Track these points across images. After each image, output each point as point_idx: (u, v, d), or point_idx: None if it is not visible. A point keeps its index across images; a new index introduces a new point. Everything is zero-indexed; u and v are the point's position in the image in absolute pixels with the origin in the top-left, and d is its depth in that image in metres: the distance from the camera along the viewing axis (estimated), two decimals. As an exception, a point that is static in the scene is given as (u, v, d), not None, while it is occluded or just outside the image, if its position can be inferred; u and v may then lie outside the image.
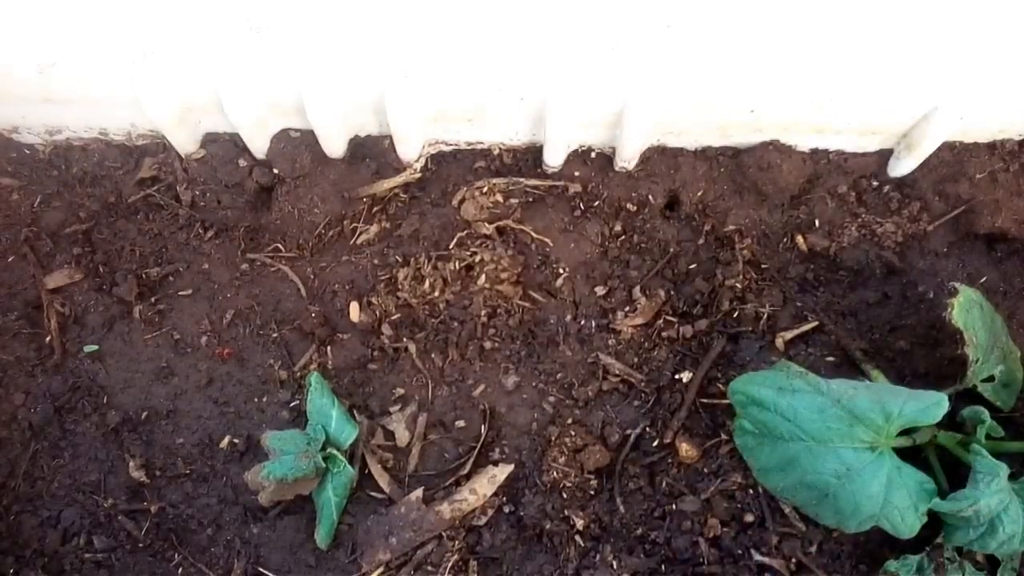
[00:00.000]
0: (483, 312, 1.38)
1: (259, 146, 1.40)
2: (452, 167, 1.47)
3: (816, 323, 1.34)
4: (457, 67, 1.26)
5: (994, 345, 1.19)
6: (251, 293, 1.45)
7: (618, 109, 1.32)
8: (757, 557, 1.18)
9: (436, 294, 1.37)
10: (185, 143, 1.40)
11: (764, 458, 1.15)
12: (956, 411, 1.15)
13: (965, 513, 1.04)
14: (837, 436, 1.08)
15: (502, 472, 1.29)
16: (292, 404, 1.38)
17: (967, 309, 1.16)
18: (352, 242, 1.46)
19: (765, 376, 1.16)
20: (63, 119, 1.41)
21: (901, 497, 1.06)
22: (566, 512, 1.25)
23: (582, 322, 1.40)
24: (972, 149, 1.41)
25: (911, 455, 1.14)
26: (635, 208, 1.44)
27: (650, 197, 1.43)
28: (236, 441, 1.35)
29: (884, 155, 1.43)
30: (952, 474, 1.14)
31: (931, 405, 1.05)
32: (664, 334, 1.38)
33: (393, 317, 1.39)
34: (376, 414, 1.37)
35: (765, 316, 1.35)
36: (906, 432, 1.12)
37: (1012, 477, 1.08)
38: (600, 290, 1.42)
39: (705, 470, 1.27)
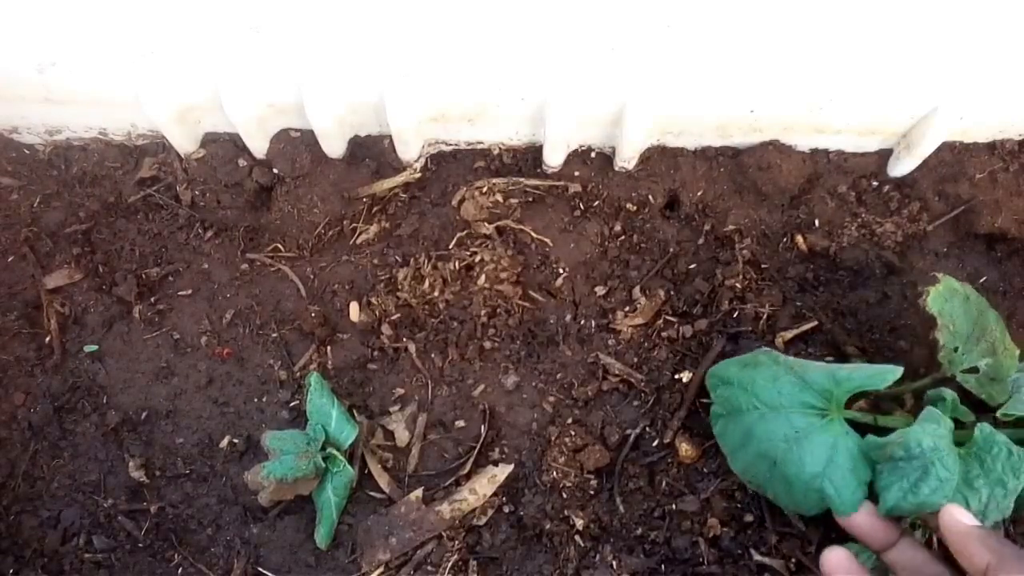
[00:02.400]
0: (483, 312, 1.38)
1: (259, 146, 1.40)
2: (452, 167, 1.47)
3: (816, 323, 1.34)
4: (457, 67, 1.26)
5: (980, 337, 1.18)
6: (251, 293, 1.45)
7: (618, 109, 1.32)
8: (757, 557, 1.18)
9: (436, 294, 1.37)
10: (185, 143, 1.40)
11: (730, 438, 1.17)
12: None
13: (893, 450, 1.01)
14: (788, 401, 1.09)
15: (502, 472, 1.29)
16: (292, 404, 1.38)
17: (946, 298, 1.16)
18: (352, 242, 1.46)
19: (737, 359, 1.21)
20: (63, 119, 1.41)
21: (844, 459, 1.05)
22: (566, 512, 1.25)
23: (582, 322, 1.40)
24: (972, 149, 1.41)
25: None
26: (635, 208, 1.44)
27: (650, 197, 1.44)
28: (236, 441, 1.35)
29: (884, 155, 1.43)
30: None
31: (880, 372, 1.05)
32: (664, 334, 1.38)
33: (393, 317, 1.39)
34: (376, 414, 1.37)
35: (765, 316, 1.35)
36: (859, 402, 1.13)
37: (959, 445, 1.06)
38: (600, 290, 1.42)
39: (705, 470, 1.27)
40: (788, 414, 1.09)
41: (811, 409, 1.09)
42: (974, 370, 1.18)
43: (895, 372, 1.05)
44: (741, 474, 1.18)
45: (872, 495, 1.06)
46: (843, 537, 1.19)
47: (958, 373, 1.17)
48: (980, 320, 1.20)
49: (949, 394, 1.11)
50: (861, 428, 1.11)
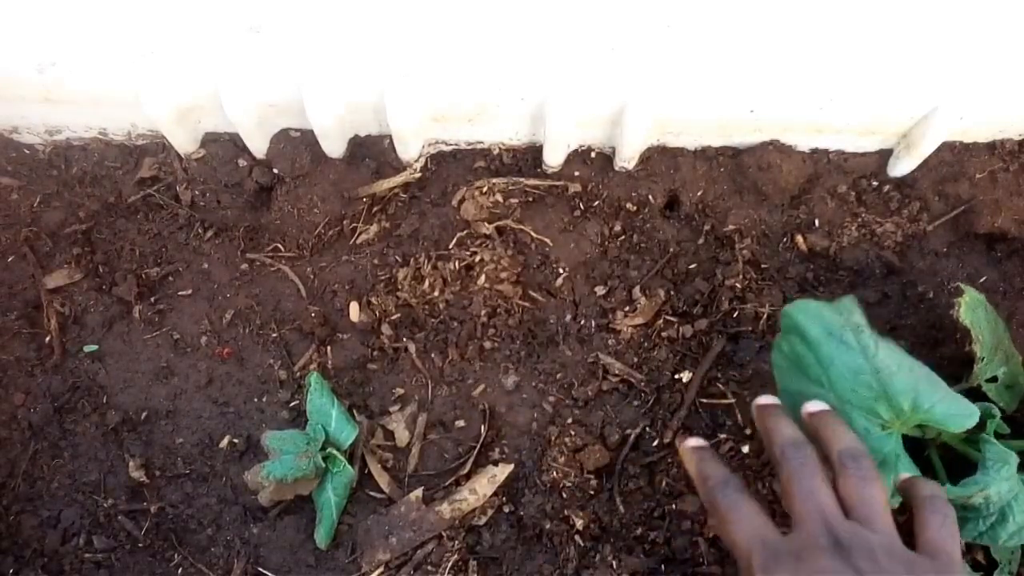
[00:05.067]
0: (483, 312, 1.38)
1: (259, 146, 1.40)
2: (452, 167, 1.47)
3: (816, 323, 1.34)
4: (457, 67, 1.26)
5: (997, 347, 1.19)
6: (251, 293, 1.45)
7: (618, 109, 1.32)
8: (757, 557, 1.18)
9: (436, 294, 1.37)
10: (185, 143, 1.40)
11: (787, 382, 1.13)
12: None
13: (975, 500, 1.04)
14: (858, 401, 1.06)
15: (502, 472, 1.29)
16: (292, 404, 1.38)
17: (973, 308, 1.16)
18: (352, 242, 1.46)
19: (823, 310, 1.11)
20: (63, 119, 1.41)
21: (886, 479, 1.05)
22: (566, 512, 1.25)
23: (582, 322, 1.40)
24: (972, 149, 1.40)
25: (915, 447, 1.14)
26: (635, 208, 1.44)
27: (650, 197, 1.44)
28: (236, 441, 1.35)
29: (884, 155, 1.43)
30: (951, 471, 1.14)
31: (962, 415, 1.04)
32: (664, 334, 1.38)
33: (393, 317, 1.40)
34: (376, 414, 1.37)
35: (765, 316, 1.35)
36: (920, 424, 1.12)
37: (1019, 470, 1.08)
38: (600, 290, 1.42)
39: (705, 470, 1.27)
40: (851, 413, 1.06)
41: (876, 418, 1.06)
42: (994, 379, 1.18)
43: (974, 416, 1.04)
44: (789, 407, 1.13)
45: None
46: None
47: (983, 383, 1.17)
48: (996, 329, 1.20)
49: (995, 409, 1.12)
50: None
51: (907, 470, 1.07)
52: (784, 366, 1.14)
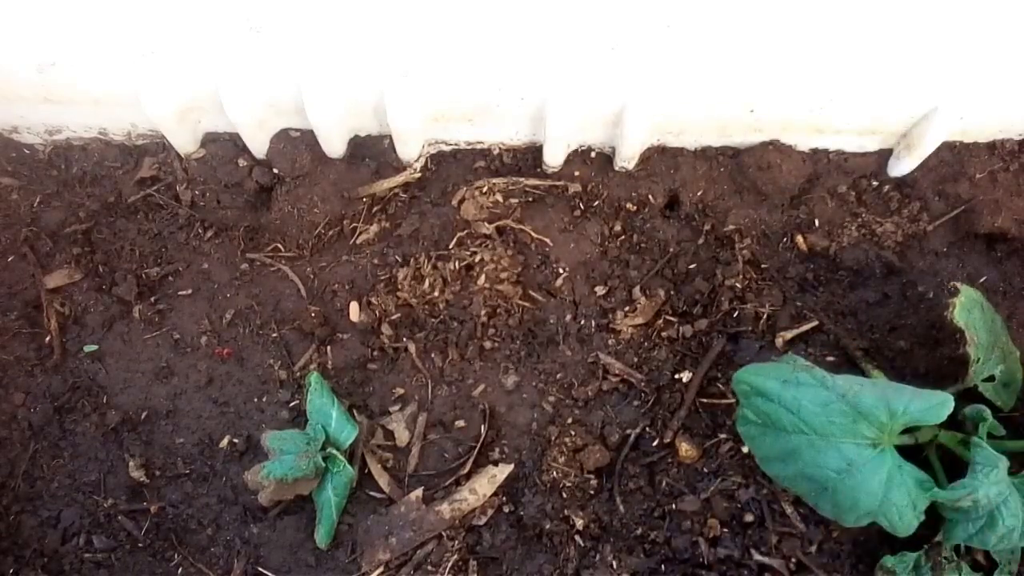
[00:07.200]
0: (483, 312, 1.37)
1: (259, 146, 1.40)
2: (452, 167, 1.47)
3: (816, 323, 1.34)
4: (457, 67, 1.26)
5: (994, 345, 1.19)
6: (251, 293, 1.45)
7: (618, 109, 1.32)
8: (757, 557, 1.18)
9: (436, 294, 1.37)
10: (185, 143, 1.40)
11: (766, 448, 1.15)
12: (958, 410, 1.16)
13: (963, 503, 1.04)
14: (840, 431, 1.07)
15: (502, 472, 1.29)
16: (292, 404, 1.38)
17: (968, 309, 1.16)
18: (352, 242, 1.46)
19: (770, 368, 1.16)
20: (63, 119, 1.41)
21: (900, 495, 1.05)
22: (566, 512, 1.25)
23: (582, 322, 1.40)
24: (972, 149, 1.41)
25: (913, 453, 1.14)
26: (635, 208, 1.44)
27: (650, 197, 1.43)
28: (236, 441, 1.35)
29: (884, 155, 1.43)
30: (953, 473, 1.14)
31: (936, 405, 1.04)
32: (664, 334, 1.38)
33: (393, 317, 1.39)
34: (376, 414, 1.37)
35: (765, 316, 1.35)
36: (908, 431, 1.12)
37: (1013, 474, 1.08)
38: (600, 290, 1.42)
39: (705, 470, 1.27)
40: (839, 444, 1.08)
41: (863, 439, 1.08)
42: (991, 378, 1.18)
43: (948, 403, 1.05)
44: (776, 479, 1.17)
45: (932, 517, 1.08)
46: (844, 539, 1.19)
47: (979, 383, 1.17)
48: (993, 327, 1.20)
49: (987, 412, 1.12)
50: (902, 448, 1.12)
51: (913, 480, 1.07)
52: (756, 433, 1.16)
